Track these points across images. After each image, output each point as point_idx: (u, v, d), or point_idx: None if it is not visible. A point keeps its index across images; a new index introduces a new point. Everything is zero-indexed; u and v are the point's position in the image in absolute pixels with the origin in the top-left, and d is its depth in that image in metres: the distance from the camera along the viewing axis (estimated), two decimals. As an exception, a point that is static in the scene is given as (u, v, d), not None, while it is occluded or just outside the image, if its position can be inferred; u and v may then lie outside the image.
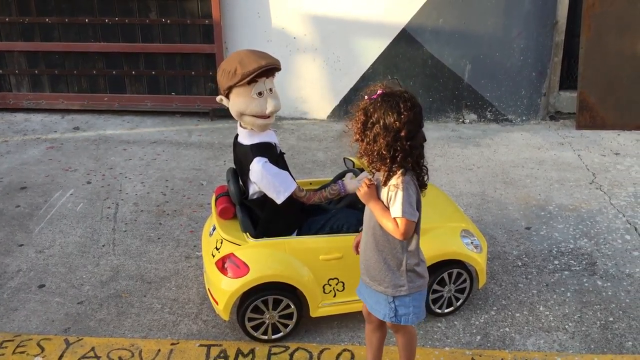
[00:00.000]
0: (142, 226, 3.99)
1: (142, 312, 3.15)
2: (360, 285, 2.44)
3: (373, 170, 2.20)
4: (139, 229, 3.96)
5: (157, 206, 4.26)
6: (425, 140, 2.16)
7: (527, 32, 5.70)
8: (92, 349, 2.89)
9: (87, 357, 2.83)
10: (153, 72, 6.00)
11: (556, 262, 3.60)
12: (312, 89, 6.01)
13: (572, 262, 3.60)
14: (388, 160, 2.08)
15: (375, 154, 2.09)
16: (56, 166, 4.92)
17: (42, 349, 2.88)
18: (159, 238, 3.85)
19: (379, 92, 2.10)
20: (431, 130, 5.80)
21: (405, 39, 5.75)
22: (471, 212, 4.17)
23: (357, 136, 2.13)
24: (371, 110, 2.08)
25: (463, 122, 6.01)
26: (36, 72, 6.09)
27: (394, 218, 2.14)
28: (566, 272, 3.50)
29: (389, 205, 2.16)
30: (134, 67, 6.00)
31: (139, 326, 3.05)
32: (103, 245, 3.77)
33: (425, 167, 2.21)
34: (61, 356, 2.83)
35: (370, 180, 2.22)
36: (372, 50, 5.83)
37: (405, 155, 2.08)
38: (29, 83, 6.16)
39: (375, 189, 2.22)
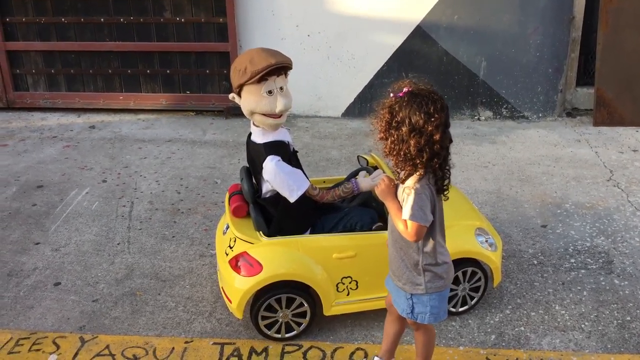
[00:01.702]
0: (156, 224, 4.01)
1: (156, 310, 3.17)
2: (388, 276, 2.46)
3: (398, 170, 2.16)
4: (153, 227, 3.98)
5: (171, 204, 4.28)
6: (452, 142, 2.13)
7: (543, 28, 5.64)
8: (107, 346, 2.90)
9: (102, 355, 2.85)
10: (168, 71, 6.03)
11: (572, 260, 3.56)
12: (326, 87, 5.99)
13: (589, 260, 3.55)
14: (417, 161, 2.05)
15: (402, 153, 2.05)
16: (72, 165, 4.96)
17: (58, 347, 2.90)
18: (173, 236, 3.87)
19: (405, 89, 2.06)
20: (446, 127, 5.75)
21: (420, 35, 5.72)
22: (486, 210, 4.13)
23: (382, 134, 2.11)
24: (397, 108, 2.04)
25: (478, 119, 5.97)
26: (52, 71, 6.15)
27: (404, 220, 2.13)
28: (582, 271, 3.46)
29: (403, 206, 2.16)
30: (149, 66, 6.03)
31: (153, 324, 3.07)
32: (118, 244, 3.79)
33: (449, 171, 2.18)
34: (76, 354, 2.85)
35: (389, 177, 2.22)
36: (386, 47, 5.80)
37: (432, 157, 2.05)
38: (45, 82, 6.22)
39: (394, 187, 2.21)
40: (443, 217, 2.29)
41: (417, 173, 2.10)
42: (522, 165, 4.87)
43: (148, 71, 6.04)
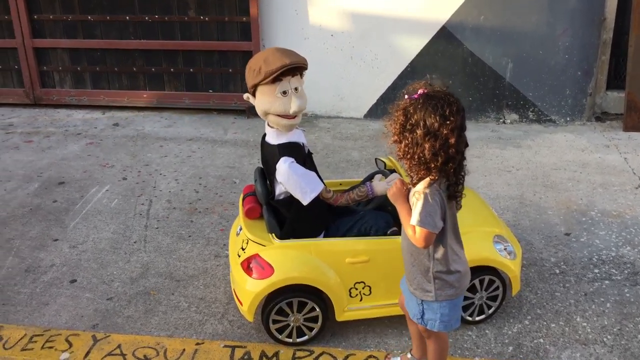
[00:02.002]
0: (173, 223, 4.01)
1: (169, 311, 3.16)
2: (404, 276, 2.43)
3: (411, 174, 2.11)
4: (170, 226, 3.98)
5: (189, 203, 4.28)
6: (468, 145, 2.07)
7: (572, 29, 5.49)
8: (119, 346, 2.90)
9: (113, 355, 2.84)
10: (191, 70, 6.04)
11: (596, 270, 3.44)
12: (349, 87, 5.94)
13: (613, 271, 3.43)
14: (431, 165, 2.00)
15: (416, 156, 2.01)
16: (94, 162, 5.00)
17: (70, 345, 2.90)
18: (189, 236, 3.86)
19: (420, 91, 2.01)
20: (470, 130, 5.57)
21: (445, 36, 5.62)
22: (508, 216, 4.03)
23: (396, 137, 2.06)
24: (411, 110, 1.99)
25: (504, 122, 5.84)
26: (78, 69, 6.22)
27: (412, 225, 2.08)
28: (606, 282, 3.34)
29: (412, 211, 2.11)
30: (173, 64, 6.06)
31: (165, 324, 3.05)
32: (135, 242, 3.80)
33: (463, 177, 2.12)
34: (88, 353, 2.86)
35: (402, 180, 2.18)
36: (410, 48, 5.72)
37: (447, 161, 2.00)
38: (71, 80, 6.29)
39: (406, 191, 2.17)
40: (457, 224, 2.23)
41: (430, 177, 2.05)
42: (547, 171, 4.75)
43: (172, 69, 6.07)
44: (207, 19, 5.82)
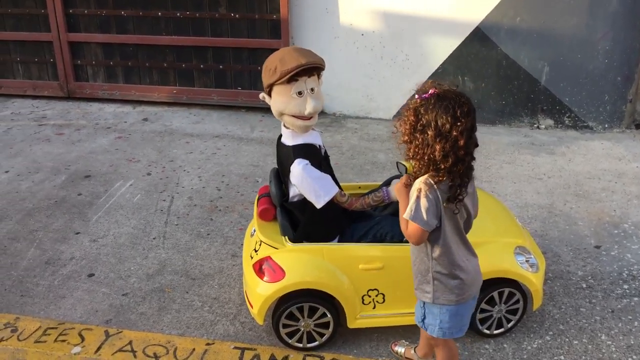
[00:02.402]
0: (193, 221, 4.00)
1: (182, 309, 3.14)
2: None
3: (418, 175, 2.09)
4: (190, 223, 3.97)
5: (210, 201, 4.26)
6: (478, 145, 2.04)
7: (613, 33, 5.27)
8: (130, 342, 2.90)
9: (124, 351, 2.84)
10: (220, 67, 6.04)
11: (626, 286, 3.28)
12: (379, 88, 5.84)
13: (644, 288, 3.27)
14: (441, 166, 1.99)
15: (426, 157, 1.99)
16: (121, 156, 5.03)
17: (83, 339, 2.92)
18: (208, 234, 3.84)
19: (430, 91, 1.99)
20: (502, 135, 5.50)
21: (479, 38, 5.47)
22: (535, 225, 3.89)
23: (406, 137, 2.04)
24: (422, 111, 1.98)
25: (538, 127, 5.66)
26: (111, 63, 6.28)
27: (405, 219, 2.10)
28: (636, 299, 3.18)
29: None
30: (203, 60, 6.06)
31: (177, 323, 3.04)
32: (154, 238, 3.80)
33: (468, 180, 2.07)
34: (99, 347, 2.86)
35: (409, 176, 2.17)
36: (442, 49, 5.59)
37: (457, 162, 1.98)
38: (104, 74, 6.37)
39: (410, 187, 2.15)
40: (461, 228, 2.18)
41: (438, 177, 2.01)
42: (581, 179, 4.57)
43: (202, 66, 6.07)
44: (237, 16, 5.80)
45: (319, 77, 2.71)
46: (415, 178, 2.11)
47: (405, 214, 2.09)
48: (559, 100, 5.54)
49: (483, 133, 5.50)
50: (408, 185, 2.16)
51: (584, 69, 5.40)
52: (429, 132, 1.96)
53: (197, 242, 3.75)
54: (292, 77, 2.55)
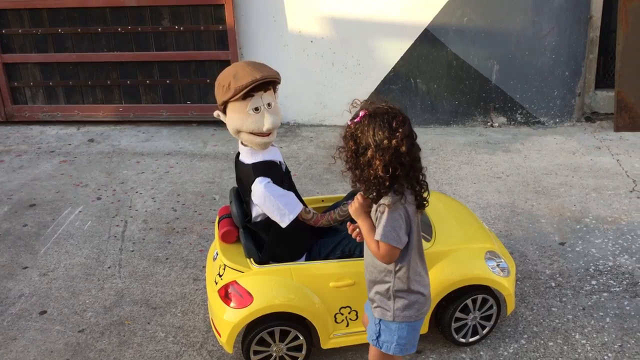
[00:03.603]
0: (150, 245, 3.82)
1: (144, 342, 2.97)
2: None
3: (369, 194, 2.07)
4: (146, 248, 3.79)
5: (166, 223, 4.08)
6: (420, 150, 2.03)
7: (559, 29, 5.35)
8: (90, 383, 2.71)
9: (84, 394, 2.66)
10: (168, 81, 5.84)
11: (594, 282, 3.29)
12: (332, 94, 5.76)
13: (612, 282, 3.28)
14: (387, 183, 1.97)
15: (372, 178, 1.97)
16: (67, 181, 4.78)
17: (37, 384, 2.71)
18: (167, 258, 3.67)
19: (361, 113, 1.99)
20: (457, 135, 5.50)
21: (428, 39, 5.47)
22: (499, 226, 3.87)
23: (350, 164, 2.03)
24: (359, 134, 1.97)
25: (491, 125, 5.69)
26: (51, 83, 5.99)
27: (376, 240, 2.04)
28: (605, 294, 3.18)
29: (376, 226, 2.05)
30: (148, 76, 5.85)
31: (140, 357, 2.87)
32: (109, 267, 3.60)
33: (425, 182, 2.06)
34: (56, 392, 2.67)
35: (363, 195, 2.11)
36: (393, 52, 5.56)
37: (407, 171, 1.98)
38: (44, 95, 6.07)
39: (368, 205, 2.12)
40: (421, 241, 2.16)
41: (390, 192, 2.00)
42: (538, 176, 4.59)
43: (147, 81, 5.86)
44: (182, 28, 5.62)
45: (274, 91, 2.60)
46: (374, 197, 2.06)
47: (376, 236, 2.03)
48: (510, 97, 5.59)
49: (438, 134, 5.51)
50: (366, 206, 2.11)
51: (532, 65, 5.47)
52: (369, 152, 1.94)
53: (155, 268, 3.57)
54: (248, 92, 2.44)
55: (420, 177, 2.03)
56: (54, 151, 5.44)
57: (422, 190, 2.04)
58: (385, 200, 2.01)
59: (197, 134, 5.77)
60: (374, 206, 2.08)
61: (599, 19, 5.43)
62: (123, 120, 6.02)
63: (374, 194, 2.03)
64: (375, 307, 2.20)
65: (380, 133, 1.92)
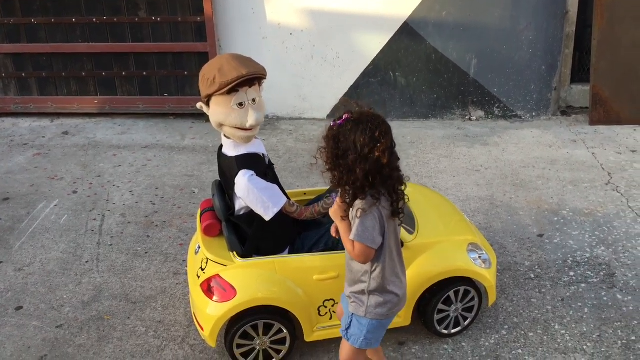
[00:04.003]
0: (128, 239, 3.76)
1: (124, 337, 2.93)
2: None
3: (347, 198, 2.09)
4: (125, 242, 3.73)
5: (145, 217, 4.02)
6: (399, 159, 2.07)
7: (536, 24, 5.41)
8: (69, 380, 2.67)
9: (63, 390, 2.61)
10: (144, 73, 5.75)
11: (572, 273, 3.34)
12: (311, 87, 5.74)
13: (589, 273, 3.33)
14: (366, 189, 2.01)
15: (351, 182, 2.01)
16: (42, 175, 4.68)
17: (15, 381, 2.66)
18: (146, 252, 3.62)
19: (345, 116, 2.02)
20: (436, 128, 5.53)
21: (408, 33, 5.47)
22: (479, 218, 3.90)
23: (330, 166, 2.05)
24: (341, 138, 1.99)
25: (469, 119, 5.73)
26: (23, 74, 5.85)
27: (351, 240, 2.09)
28: (583, 285, 3.24)
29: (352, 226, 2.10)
30: (125, 67, 5.75)
31: (120, 352, 2.83)
32: (86, 262, 3.54)
33: (403, 192, 2.10)
34: (35, 389, 2.62)
35: (342, 198, 2.13)
36: (373, 45, 5.56)
37: (385, 180, 2.02)
38: (16, 86, 5.92)
39: (346, 208, 2.13)
40: (399, 244, 2.21)
41: (369, 198, 2.04)
42: (516, 169, 4.64)
43: (123, 73, 5.76)
44: (159, 19, 5.54)
45: (260, 86, 2.58)
46: (351, 200, 2.10)
47: (351, 236, 2.08)
48: (487, 91, 5.64)
49: (417, 128, 5.54)
50: (344, 209, 2.14)
51: (510, 59, 5.52)
52: (350, 157, 1.97)
53: (134, 262, 3.52)
54: (232, 88, 2.41)
55: (397, 186, 2.06)
56: (27, 144, 5.33)
57: (398, 199, 2.07)
58: (360, 203, 2.04)
59: (174, 126, 5.70)
60: (351, 209, 2.11)
61: (575, 14, 5.50)
62: (98, 112, 5.91)
63: (351, 198, 2.06)
64: (351, 302, 2.25)
65: (362, 140, 1.94)
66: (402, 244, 2.44)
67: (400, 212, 2.10)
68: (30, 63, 5.82)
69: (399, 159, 2.07)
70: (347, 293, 2.27)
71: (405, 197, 2.12)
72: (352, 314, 2.25)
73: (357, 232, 2.05)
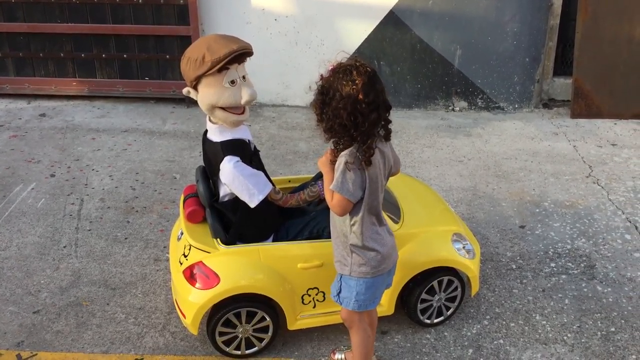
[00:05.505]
0: (108, 224, 3.70)
1: (104, 323, 2.88)
2: None
3: (337, 148, 2.14)
4: (104, 227, 3.67)
5: (125, 202, 3.96)
6: (390, 107, 2.12)
7: (520, 16, 5.42)
8: (46, 366, 2.62)
9: (40, 377, 2.56)
10: (125, 56, 5.64)
11: (553, 264, 3.37)
12: (295, 74, 5.69)
13: (570, 264, 3.37)
14: (352, 130, 2.05)
15: (337, 127, 2.06)
16: (18, 157, 4.58)
17: (-10, 367, 2.60)
18: (126, 238, 3.56)
19: (330, 67, 2.10)
20: (419, 118, 5.53)
21: (393, 21, 5.44)
22: (462, 209, 3.91)
23: (319, 117, 2.11)
24: (327, 86, 2.07)
25: (453, 109, 5.74)
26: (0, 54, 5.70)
27: (331, 190, 2.14)
28: (563, 276, 3.27)
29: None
30: (105, 50, 5.63)
31: (100, 339, 2.79)
32: (64, 247, 3.47)
33: (373, 135, 2.10)
34: (11, 375, 2.56)
35: (332, 150, 2.18)
36: (357, 33, 5.51)
37: (365, 121, 2.03)
38: (-8, 66, 5.77)
39: (335, 155, 2.17)
40: (380, 202, 2.22)
41: (350, 148, 2.08)
42: (499, 160, 4.66)
43: (103, 55, 5.64)
44: (140, 1, 5.42)
45: (244, 64, 2.53)
46: (338, 152, 2.14)
47: (331, 186, 2.12)
48: (471, 82, 5.64)
49: (401, 117, 5.52)
50: (333, 161, 2.18)
51: (494, 51, 5.52)
52: (334, 102, 2.03)
53: (114, 248, 3.46)
54: (223, 65, 2.36)
55: (376, 130, 2.09)
56: (2, 125, 5.20)
57: (370, 143, 2.07)
58: (346, 155, 2.08)
59: (155, 111, 5.61)
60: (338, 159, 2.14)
61: (560, 7, 5.51)
62: (77, 95, 5.79)
63: (340, 145, 2.10)
64: (336, 261, 2.30)
65: (343, 82, 2.01)
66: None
67: (370, 163, 2.09)
68: (6, 42, 5.67)
69: (388, 106, 2.11)
70: (334, 250, 2.31)
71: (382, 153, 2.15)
72: (341, 276, 2.30)
73: (337, 182, 2.10)
